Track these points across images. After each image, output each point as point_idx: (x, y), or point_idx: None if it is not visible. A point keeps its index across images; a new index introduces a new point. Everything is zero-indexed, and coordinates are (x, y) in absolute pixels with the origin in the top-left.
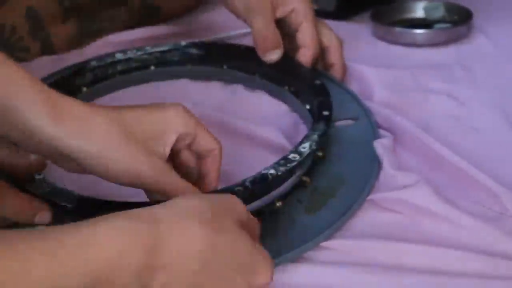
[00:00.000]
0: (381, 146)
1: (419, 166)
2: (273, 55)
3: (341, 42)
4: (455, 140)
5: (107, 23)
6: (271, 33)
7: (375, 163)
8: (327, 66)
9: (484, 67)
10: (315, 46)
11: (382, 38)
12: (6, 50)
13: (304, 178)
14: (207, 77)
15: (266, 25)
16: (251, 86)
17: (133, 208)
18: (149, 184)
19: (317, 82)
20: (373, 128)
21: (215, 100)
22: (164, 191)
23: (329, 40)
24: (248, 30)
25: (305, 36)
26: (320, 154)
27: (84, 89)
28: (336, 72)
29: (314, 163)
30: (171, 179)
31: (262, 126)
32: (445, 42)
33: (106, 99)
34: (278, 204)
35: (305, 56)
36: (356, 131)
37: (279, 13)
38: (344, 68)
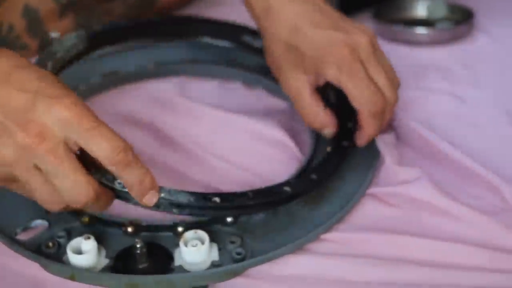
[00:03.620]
0: (382, 141)
1: (420, 161)
2: (324, 132)
3: (386, 102)
4: (456, 136)
5: (104, 17)
6: (311, 116)
7: (375, 158)
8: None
9: (486, 66)
10: (369, 104)
11: (383, 37)
12: (4, 48)
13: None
14: (205, 75)
15: (303, 109)
16: (249, 83)
17: None
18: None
19: None
20: None
21: (214, 97)
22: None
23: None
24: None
25: (353, 99)
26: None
27: (81, 87)
28: (358, 138)
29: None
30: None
31: (263, 122)
32: (447, 41)
33: (103, 97)
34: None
35: (360, 121)
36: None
37: (321, 81)
38: (372, 135)
